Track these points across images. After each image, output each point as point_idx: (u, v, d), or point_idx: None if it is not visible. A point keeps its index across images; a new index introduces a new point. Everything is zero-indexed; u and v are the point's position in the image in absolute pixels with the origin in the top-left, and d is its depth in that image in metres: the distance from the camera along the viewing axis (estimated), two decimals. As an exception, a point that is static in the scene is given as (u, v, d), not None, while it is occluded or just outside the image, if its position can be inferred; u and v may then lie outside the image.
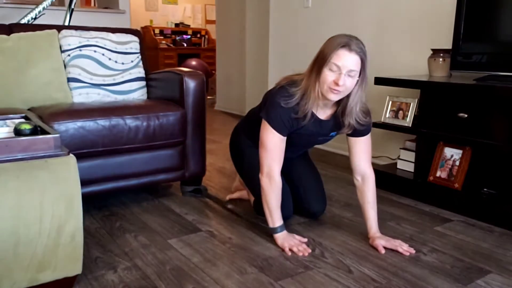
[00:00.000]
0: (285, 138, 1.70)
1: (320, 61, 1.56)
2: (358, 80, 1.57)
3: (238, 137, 2.07)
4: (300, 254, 1.67)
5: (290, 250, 1.69)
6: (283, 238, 1.74)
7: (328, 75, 1.54)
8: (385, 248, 1.71)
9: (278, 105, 1.64)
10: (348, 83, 1.54)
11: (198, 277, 1.51)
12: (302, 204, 1.99)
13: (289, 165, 1.95)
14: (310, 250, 1.70)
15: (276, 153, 1.70)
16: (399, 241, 1.75)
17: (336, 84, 1.53)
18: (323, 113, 1.72)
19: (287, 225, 1.87)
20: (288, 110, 1.64)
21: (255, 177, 1.79)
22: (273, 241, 1.78)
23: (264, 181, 1.71)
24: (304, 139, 1.80)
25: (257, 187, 1.78)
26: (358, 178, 1.80)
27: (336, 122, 1.72)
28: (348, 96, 1.61)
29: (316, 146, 3.10)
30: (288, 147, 1.74)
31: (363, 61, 1.55)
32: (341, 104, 1.66)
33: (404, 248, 1.71)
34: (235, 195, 2.28)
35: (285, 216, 1.82)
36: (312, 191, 2.00)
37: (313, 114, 1.68)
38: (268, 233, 1.85)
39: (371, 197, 1.78)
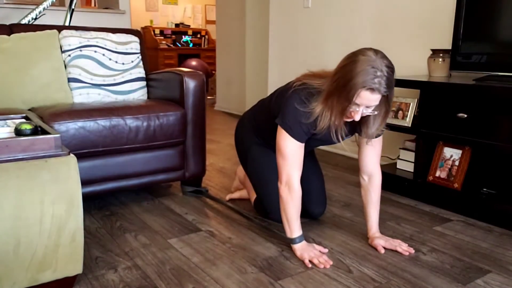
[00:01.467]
0: (304, 144, 1.63)
1: (340, 93, 1.44)
2: (376, 112, 1.50)
3: (244, 130, 2.01)
4: (321, 266, 1.58)
5: (310, 261, 1.61)
6: (302, 249, 1.65)
7: (345, 109, 1.47)
8: (384, 248, 1.72)
9: (295, 113, 1.57)
10: (365, 113, 1.49)
11: (198, 277, 1.51)
12: (303, 205, 1.92)
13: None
14: (331, 262, 1.61)
15: (295, 160, 1.62)
16: (398, 241, 1.75)
17: (352, 117, 1.49)
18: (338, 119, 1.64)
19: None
20: (305, 117, 1.57)
21: (258, 174, 1.77)
22: (273, 241, 1.78)
23: (283, 190, 1.63)
24: (318, 142, 1.77)
25: (259, 183, 1.76)
26: (365, 178, 1.77)
27: (352, 126, 1.66)
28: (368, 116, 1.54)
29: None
30: None
31: (387, 97, 1.47)
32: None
33: (403, 248, 1.71)
34: (235, 195, 2.28)
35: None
36: (314, 193, 1.96)
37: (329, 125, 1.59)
38: (268, 233, 1.85)
39: (375, 197, 1.76)
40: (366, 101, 1.43)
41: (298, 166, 1.63)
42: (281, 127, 1.61)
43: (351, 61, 1.42)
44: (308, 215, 1.99)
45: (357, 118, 1.47)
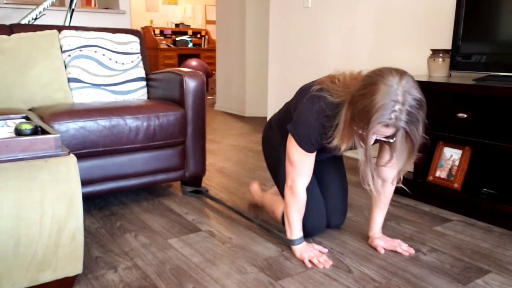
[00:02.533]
0: (314, 154, 1.58)
1: (356, 122, 1.34)
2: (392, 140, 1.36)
3: (273, 133, 1.89)
4: (321, 266, 1.58)
5: (310, 261, 1.60)
6: (302, 249, 1.65)
7: (360, 135, 1.37)
8: (381, 253, 1.70)
9: (309, 123, 1.50)
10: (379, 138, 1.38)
11: (198, 277, 1.51)
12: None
13: (319, 168, 1.84)
14: (331, 262, 1.61)
15: (302, 169, 1.58)
16: (398, 241, 1.74)
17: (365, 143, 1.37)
18: None
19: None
20: (318, 129, 1.50)
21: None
22: (273, 241, 1.78)
23: (287, 193, 1.63)
24: (330, 151, 1.61)
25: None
26: (379, 181, 1.67)
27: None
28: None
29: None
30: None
31: (408, 133, 1.31)
32: None
33: (403, 248, 1.70)
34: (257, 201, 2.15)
35: (316, 232, 1.77)
36: (335, 203, 1.87)
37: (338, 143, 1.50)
38: (268, 233, 1.85)
39: (385, 200, 1.73)
40: (380, 134, 1.34)
41: (305, 174, 1.60)
42: (291, 135, 1.57)
43: (370, 90, 1.30)
44: (327, 226, 1.88)
45: (370, 143, 1.35)
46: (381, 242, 1.73)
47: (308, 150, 1.56)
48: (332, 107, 1.46)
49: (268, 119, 3.87)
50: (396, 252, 1.70)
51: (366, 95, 1.30)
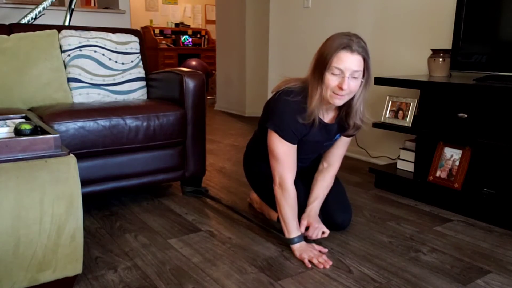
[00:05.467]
0: (296, 146, 1.64)
1: (321, 65, 1.49)
2: (362, 81, 1.52)
3: (250, 159, 2.00)
4: (321, 266, 1.58)
5: (310, 261, 1.60)
6: (301, 249, 1.64)
7: (330, 80, 1.48)
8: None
9: (284, 114, 1.58)
10: (352, 86, 1.48)
11: (198, 277, 1.51)
12: (325, 216, 1.85)
13: (308, 173, 1.88)
14: (331, 262, 1.61)
15: (287, 162, 1.63)
16: (321, 226, 1.76)
17: (340, 88, 1.47)
18: (327, 117, 1.66)
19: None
20: (295, 117, 1.57)
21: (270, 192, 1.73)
22: (273, 241, 1.78)
23: (277, 191, 1.66)
24: (311, 146, 1.73)
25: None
26: (325, 165, 1.84)
27: (340, 124, 1.68)
28: (352, 98, 1.55)
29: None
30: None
31: (365, 61, 1.49)
32: (345, 106, 1.60)
33: (324, 230, 1.75)
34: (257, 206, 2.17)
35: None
36: (335, 202, 1.87)
37: (319, 119, 1.61)
38: (268, 233, 1.85)
39: (329, 180, 1.82)
40: (348, 63, 1.45)
41: (291, 167, 1.65)
42: (271, 130, 1.62)
43: (325, 41, 1.53)
44: (334, 226, 1.85)
45: (345, 86, 1.46)
46: (311, 220, 1.76)
47: (290, 140, 1.61)
48: (298, 92, 1.59)
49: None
50: (396, 252, 1.70)
51: (322, 46, 1.52)
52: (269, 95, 3.63)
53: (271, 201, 1.83)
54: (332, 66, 1.46)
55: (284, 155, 1.62)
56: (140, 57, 2.51)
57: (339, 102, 1.53)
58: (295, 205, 1.67)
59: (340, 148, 1.82)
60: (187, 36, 7.93)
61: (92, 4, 4.67)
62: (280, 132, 1.60)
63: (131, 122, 2.01)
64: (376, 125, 2.47)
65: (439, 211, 2.16)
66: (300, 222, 1.74)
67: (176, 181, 2.29)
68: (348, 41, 1.46)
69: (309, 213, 1.78)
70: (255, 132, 1.99)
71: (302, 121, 1.58)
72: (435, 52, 2.42)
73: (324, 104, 1.58)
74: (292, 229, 1.67)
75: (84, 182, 1.94)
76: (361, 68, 1.49)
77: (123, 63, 2.41)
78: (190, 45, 7.90)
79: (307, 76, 1.59)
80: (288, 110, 1.58)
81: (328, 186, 1.83)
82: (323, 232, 1.75)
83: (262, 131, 1.81)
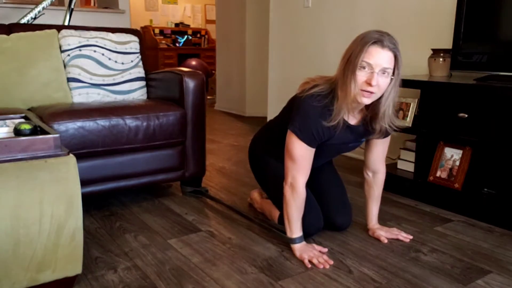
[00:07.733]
0: (314, 149, 1.60)
1: (349, 61, 1.44)
2: (391, 79, 1.45)
3: (259, 156, 1.96)
4: (321, 266, 1.57)
5: (310, 261, 1.60)
6: (301, 249, 1.65)
7: (358, 75, 1.42)
8: (384, 242, 1.77)
9: (308, 117, 1.54)
10: (381, 83, 1.42)
11: (198, 277, 1.51)
12: (325, 217, 1.84)
13: (313, 173, 1.82)
14: (331, 262, 1.61)
15: (303, 165, 1.60)
16: (397, 230, 1.85)
17: (369, 84, 1.41)
18: (353, 118, 1.60)
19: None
20: (319, 120, 1.53)
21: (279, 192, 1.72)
22: (273, 241, 1.78)
23: (287, 190, 1.63)
24: (335, 148, 1.70)
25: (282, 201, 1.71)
26: (369, 174, 1.82)
27: (366, 127, 1.62)
28: (380, 98, 1.48)
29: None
30: (315, 158, 1.64)
31: (396, 58, 1.44)
32: (371, 107, 1.53)
33: (403, 235, 1.81)
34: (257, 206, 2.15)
35: (314, 231, 1.77)
36: (335, 203, 1.87)
37: (344, 121, 1.56)
38: (268, 233, 1.85)
39: (377, 192, 1.84)
40: (378, 58, 1.40)
41: (305, 170, 1.62)
42: (291, 131, 1.59)
43: (355, 38, 1.48)
44: (333, 227, 1.87)
45: (374, 82, 1.40)
46: (382, 232, 1.82)
47: (309, 143, 1.57)
48: (326, 95, 1.54)
49: (268, 119, 3.87)
50: (396, 252, 1.70)
51: (351, 44, 1.47)
52: (269, 95, 3.63)
53: (276, 198, 1.84)
54: (361, 60, 1.41)
55: (301, 157, 1.59)
56: (140, 57, 2.50)
57: (367, 100, 1.46)
58: (302, 207, 1.66)
59: (379, 152, 1.77)
60: (180, 37, 7.90)
61: (92, 4, 4.67)
62: (300, 134, 1.56)
63: (131, 122, 2.01)
64: (376, 125, 2.47)
65: (440, 211, 2.16)
66: (378, 236, 1.81)
67: (176, 181, 2.29)
68: (379, 36, 1.42)
69: (378, 226, 1.87)
70: (268, 123, 1.97)
71: (327, 124, 1.53)
72: (436, 52, 2.42)
73: (351, 103, 1.50)
74: (296, 229, 1.66)
75: (84, 182, 1.94)
76: (392, 66, 1.43)
77: (123, 63, 2.41)
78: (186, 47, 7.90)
79: (335, 75, 1.54)
80: (312, 114, 1.54)
81: (379, 195, 1.86)
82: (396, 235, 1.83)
83: (282, 125, 1.74)
